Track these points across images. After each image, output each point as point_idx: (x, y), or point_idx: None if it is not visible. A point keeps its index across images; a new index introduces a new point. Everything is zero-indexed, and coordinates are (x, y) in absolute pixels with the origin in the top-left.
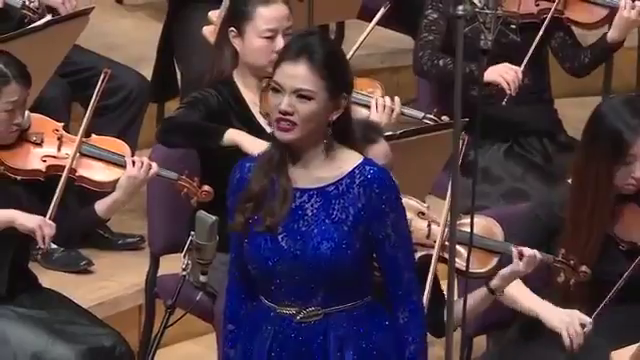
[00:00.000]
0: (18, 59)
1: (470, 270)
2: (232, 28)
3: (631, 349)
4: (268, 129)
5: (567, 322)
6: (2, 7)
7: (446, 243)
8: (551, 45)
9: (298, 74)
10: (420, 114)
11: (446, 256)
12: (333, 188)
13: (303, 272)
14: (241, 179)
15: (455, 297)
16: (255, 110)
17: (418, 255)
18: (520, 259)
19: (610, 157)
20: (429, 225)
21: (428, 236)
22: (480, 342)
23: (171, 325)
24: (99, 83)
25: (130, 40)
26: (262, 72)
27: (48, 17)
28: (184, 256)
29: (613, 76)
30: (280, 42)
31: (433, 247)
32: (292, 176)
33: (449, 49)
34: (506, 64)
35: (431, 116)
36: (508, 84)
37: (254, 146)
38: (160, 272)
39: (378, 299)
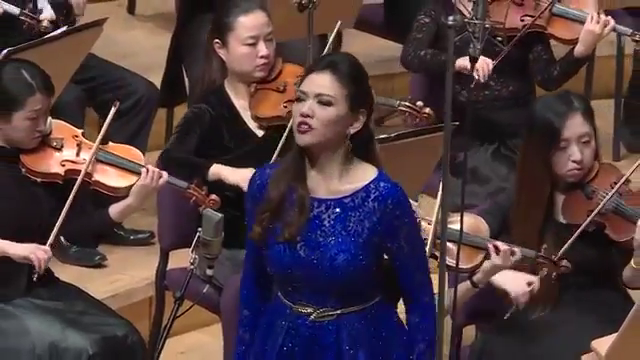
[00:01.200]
0: (43, 70)
1: (459, 266)
2: (216, 40)
3: (611, 338)
4: (259, 133)
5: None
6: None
7: (437, 240)
8: (529, 58)
9: (321, 82)
10: (395, 102)
11: (437, 253)
12: (349, 200)
13: (319, 279)
14: (261, 185)
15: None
16: (246, 115)
17: None
18: (497, 254)
19: (546, 146)
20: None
21: None
22: (468, 332)
23: (180, 316)
24: (110, 113)
25: (141, 49)
26: (249, 78)
27: (64, 27)
28: (192, 251)
29: (593, 82)
30: (262, 47)
31: None
32: (310, 185)
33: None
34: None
35: (406, 103)
36: (477, 71)
37: (234, 176)
38: (169, 266)
39: (386, 299)
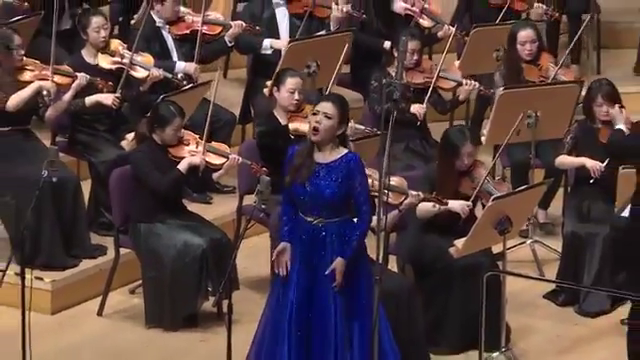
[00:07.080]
0: (178, 104)
1: (391, 202)
2: (275, 86)
3: (467, 237)
4: (292, 137)
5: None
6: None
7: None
8: (429, 100)
9: (326, 106)
10: (363, 127)
11: (383, 198)
12: (334, 164)
13: (317, 202)
14: (291, 155)
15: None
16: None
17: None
18: (413, 196)
19: (451, 156)
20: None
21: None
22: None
23: (249, 228)
24: (207, 121)
25: (229, 96)
26: (286, 109)
27: (189, 85)
28: (255, 196)
29: (456, 110)
30: (296, 95)
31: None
32: (315, 157)
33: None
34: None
35: (370, 129)
36: (419, 114)
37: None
38: (244, 203)
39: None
